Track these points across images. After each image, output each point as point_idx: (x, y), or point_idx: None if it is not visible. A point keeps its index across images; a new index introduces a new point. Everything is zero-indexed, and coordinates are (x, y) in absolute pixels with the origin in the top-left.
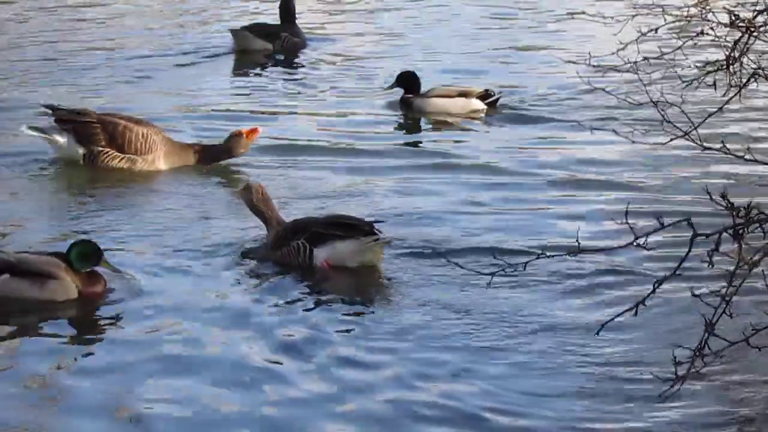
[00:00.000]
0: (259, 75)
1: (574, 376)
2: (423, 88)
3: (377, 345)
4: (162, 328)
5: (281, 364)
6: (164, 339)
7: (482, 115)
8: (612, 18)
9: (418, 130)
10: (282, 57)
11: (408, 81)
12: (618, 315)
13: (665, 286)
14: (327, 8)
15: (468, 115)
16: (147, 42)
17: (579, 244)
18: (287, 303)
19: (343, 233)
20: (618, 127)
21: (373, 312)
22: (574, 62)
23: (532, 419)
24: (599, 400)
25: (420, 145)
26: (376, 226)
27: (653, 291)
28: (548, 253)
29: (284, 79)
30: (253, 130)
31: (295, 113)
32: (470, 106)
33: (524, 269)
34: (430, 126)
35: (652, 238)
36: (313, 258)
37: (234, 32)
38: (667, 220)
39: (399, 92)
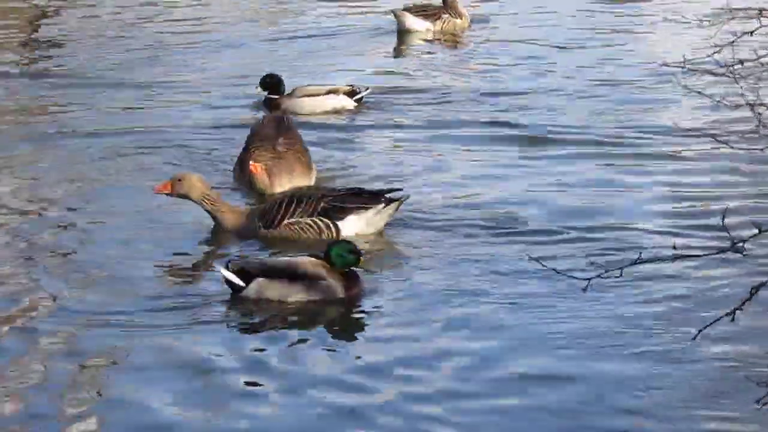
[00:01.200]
0: (415, 55)
1: (667, 381)
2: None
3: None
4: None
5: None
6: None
7: (351, 109)
8: (708, 21)
9: None
10: (442, 37)
11: (271, 84)
12: (715, 321)
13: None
14: None
15: (337, 112)
16: (310, 22)
17: (675, 248)
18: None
19: (364, 203)
20: (714, 133)
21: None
22: (667, 65)
23: (628, 421)
24: (695, 404)
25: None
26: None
27: (750, 297)
28: (646, 258)
29: (437, 59)
30: (253, 166)
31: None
32: (340, 103)
33: (621, 275)
34: None
35: (748, 244)
36: (340, 231)
37: (395, 13)
38: (765, 226)
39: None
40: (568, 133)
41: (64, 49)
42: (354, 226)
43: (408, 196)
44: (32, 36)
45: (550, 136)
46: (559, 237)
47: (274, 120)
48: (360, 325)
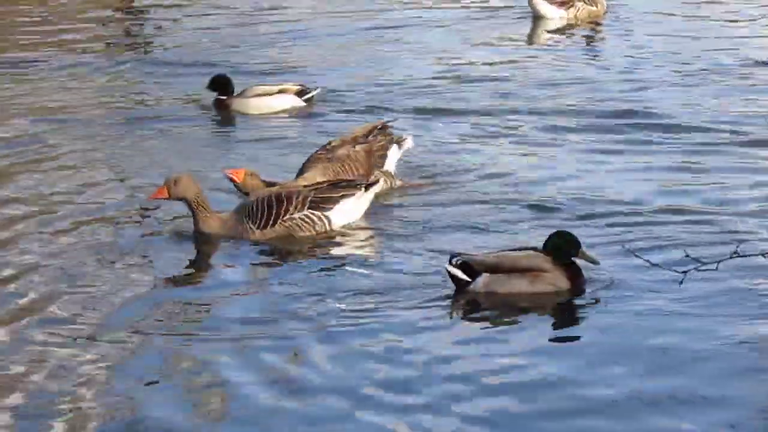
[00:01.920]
0: (544, 42)
1: (754, 382)
2: None
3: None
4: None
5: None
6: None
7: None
8: None
9: None
10: (578, 24)
11: (219, 85)
12: None
13: None
14: None
15: (288, 111)
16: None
17: None
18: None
19: (346, 191)
20: None
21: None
22: (765, 62)
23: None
24: None
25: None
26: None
27: None
28: (742, 253)
29: (564, 48)
30: (233, 173)
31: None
32: (290, 103)
33: (716, 268)
34: None
35: None
36: (331, 222)
37: (530, 0)
38: None
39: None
40: (666, 123)
41: (157, 35)
42: (342, 214)
43: (379, 181)
44: (126, 22)
45: (649, 125)
46: (656, 225)
47: (370, 126)
48: (588, 315)
